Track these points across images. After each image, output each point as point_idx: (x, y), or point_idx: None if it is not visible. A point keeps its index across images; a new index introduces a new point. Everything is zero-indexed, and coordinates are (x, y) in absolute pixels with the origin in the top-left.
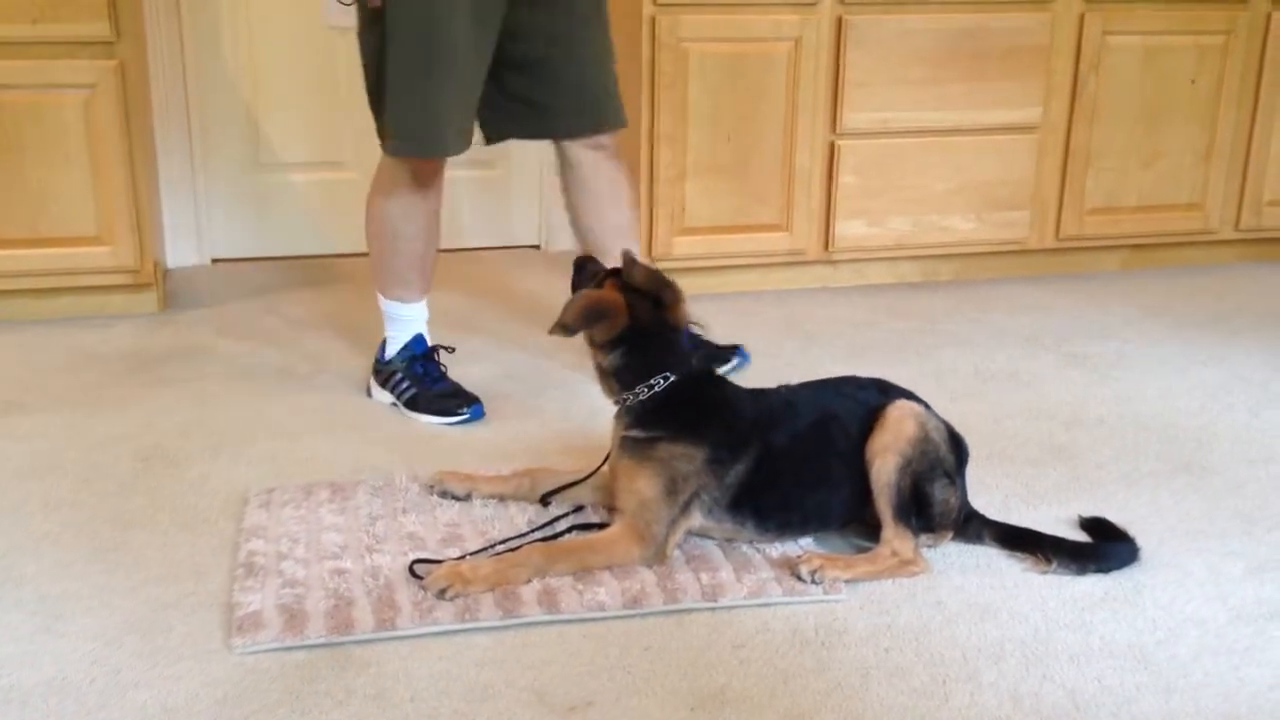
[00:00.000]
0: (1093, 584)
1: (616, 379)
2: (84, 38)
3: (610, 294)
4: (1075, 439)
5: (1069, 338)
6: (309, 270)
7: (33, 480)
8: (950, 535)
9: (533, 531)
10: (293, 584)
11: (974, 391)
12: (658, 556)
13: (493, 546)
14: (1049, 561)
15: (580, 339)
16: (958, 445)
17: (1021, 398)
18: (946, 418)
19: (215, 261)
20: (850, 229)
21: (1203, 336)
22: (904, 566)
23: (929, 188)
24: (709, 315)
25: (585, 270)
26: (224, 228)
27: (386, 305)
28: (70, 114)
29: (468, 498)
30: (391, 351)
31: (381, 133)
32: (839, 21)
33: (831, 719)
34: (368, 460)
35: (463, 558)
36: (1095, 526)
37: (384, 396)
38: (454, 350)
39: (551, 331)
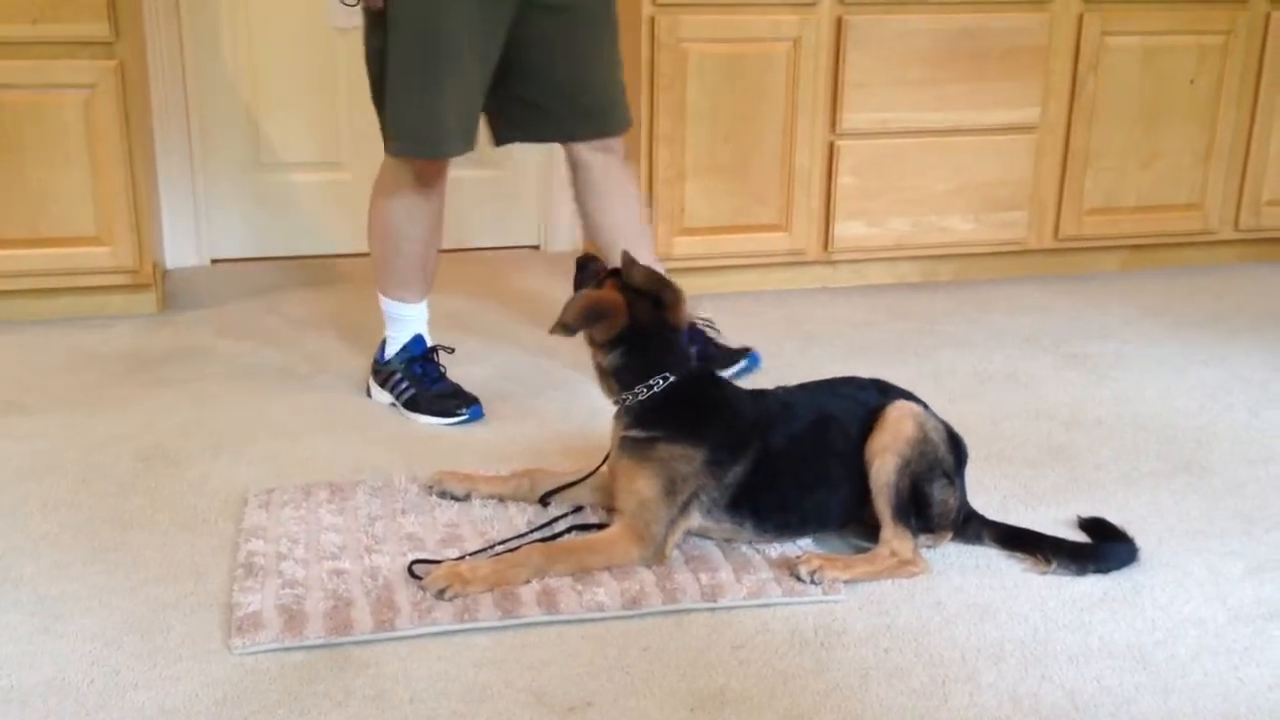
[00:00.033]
0: (1092, 584)
1: (616, 379)
2: (83, 38)
3: (610, 294)
4: (1074, 439)
5: (1068, 338)
6: (308, 270)
7: (32, 480)
8: (949, 536)
9: (532, 532)
10: (292, 584)
11: (973, 392)
12: (656, 557)
13: (492, 547)
14: (1048, 562)
15: (580, 338)
16: (957, 446)
17: (1020, 398)
18: (945, 418)
19: (215, 262)
20: (849, 229)
21: (1202, 336)
22: (903, 567)
23: (928, 188)
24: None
25: (588, 269)
26: (223, 228)
27: (387, 305)
28: (70, 114)
29: (467, 498)
30: (391, 352)
31: (384, 133)
32: (838, 22)
33: (830, 719)
34: (367, 460)
35: (462, 558)
36: (1094, 527)
37: (383, 397)
38: (453, 351)
39: (552, 331)
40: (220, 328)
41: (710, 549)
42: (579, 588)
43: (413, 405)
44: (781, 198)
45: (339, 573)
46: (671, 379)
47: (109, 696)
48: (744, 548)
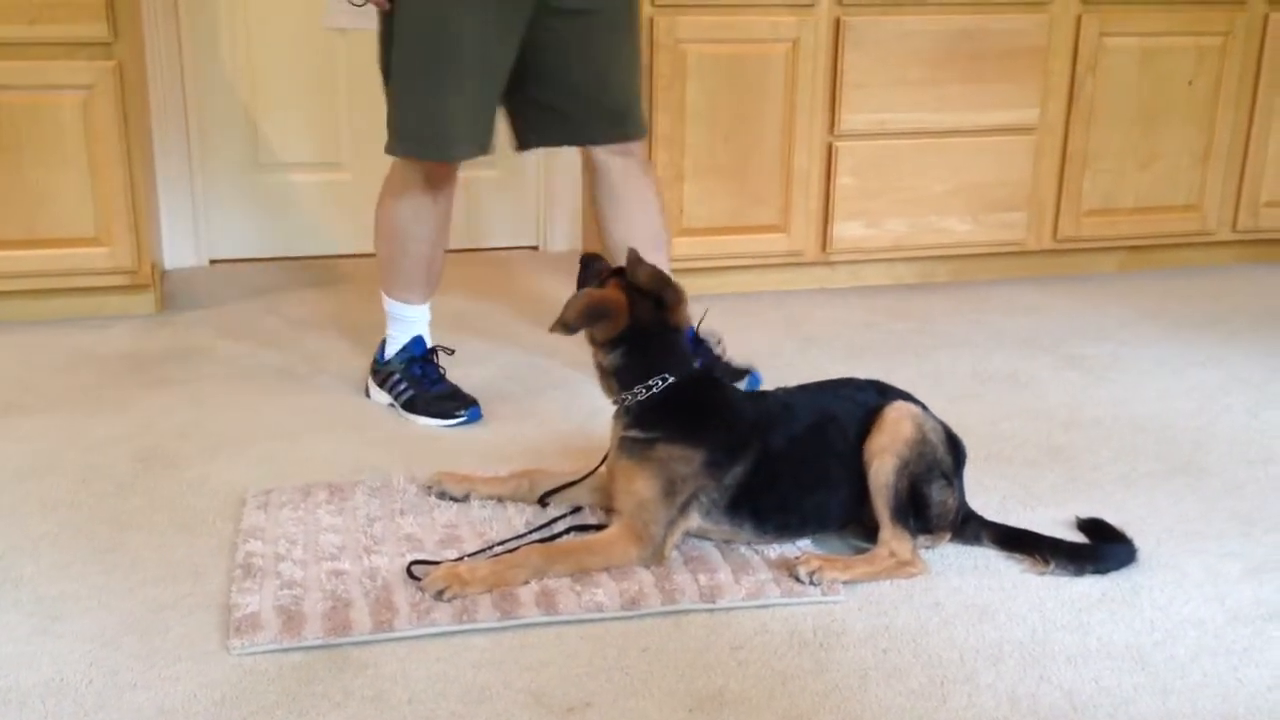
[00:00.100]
0: (1090, 585)
1: (616, 379)
2: (82, 38)
3: (612, 293)
4: (1073, 440)
5: (1066, 339)
6: (307, 271)
7: (31, 481)
8: (948, 536)
9: (531, 532)
10: (290, 585)
11: (971, 393)
12: (655, 557)
13: (491, 548)
14: (1047, 563)
15: (581, 338)
16: (955, 446)
17: (1019, 399)
18: (944, 419)
19: (213, 262)
20: (848, 230)
21: (1200, 338)
22: (902, 568)
23: (927, 189)
24: (709, 313)
25: (591, 268)
26: (222, 228)
27: (390, 305)
28: (68, 115)
29: (466, 499)
30: (391, 352)
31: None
32: (837, 23)
33: (829, 719)
34: (366, 461)
35: (461, 559)
36: (1093, 527)
37: (382, 397)
38: (453, 353)
39: (552, 329)
40: (219, 328)
41: (709, 550)
42: (578, 588)
43: (411, 406)
44: (780, 199)
45: (337, 573)
46: (671, 380)
47: (107, 697)
48: (743, 549)
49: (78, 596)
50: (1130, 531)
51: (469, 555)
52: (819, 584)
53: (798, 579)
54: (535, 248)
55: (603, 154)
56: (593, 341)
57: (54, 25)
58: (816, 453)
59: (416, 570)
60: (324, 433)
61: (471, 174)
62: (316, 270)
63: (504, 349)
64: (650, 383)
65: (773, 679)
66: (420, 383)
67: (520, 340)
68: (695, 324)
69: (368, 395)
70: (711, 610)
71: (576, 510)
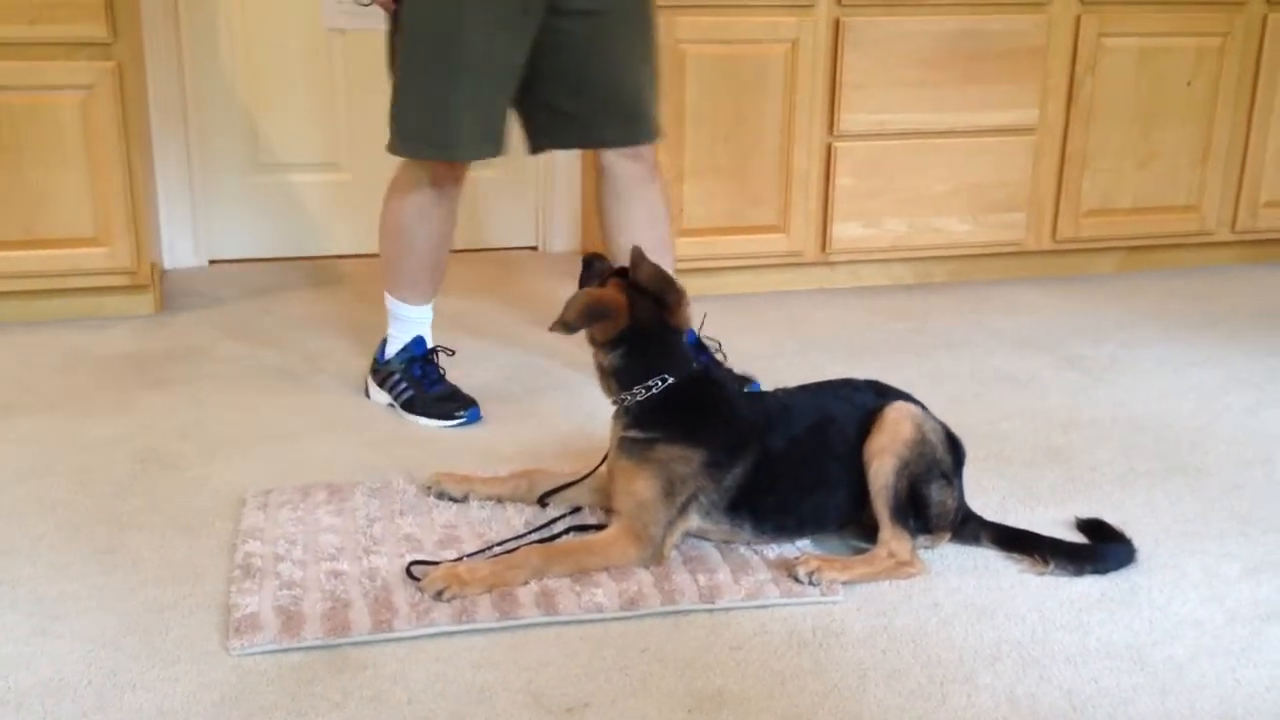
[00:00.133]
0: (1089, 585)
1: (616, 379)
2: (81, 39)
3: (612, 293)
4: (1072, 440)
5: (1065, 339)
6: (307, 271)
7: (29, 481)
8: (947, 537)
9: (530, 533)
10: (290, 586)
11: (970, 393)
12: (655, 558)
13: (490, 548)
14: (1046, 563)
15: (581, 338)
16: (955, 447)
17: (1018, 399)
18: (943, 419)
19: (212, 263)
20: (847, 230)
21: (1199, 338)
22: (901, 568)
23: (926, 189)
24: (708, 316)
25: (593, 267)
26: (221, 229)
27: (392, 304)
28: (67, 115)
29: (465, 499)
30: (391, 351)
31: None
32: (836, 23)
33: None
34: (365, 461)
35: (460, 559)
36: (1092, 528)
37: (381, 397)
38: (454, 353)
39: (552, 329)
40: (218, 329)
41: (708, 550)
42: (577, 589)
43: (410, 407)
44: (779, 199)
45: (337, 574)
46: (671, 380)
47: (107, 698)
48: (742, 549)
49: (77, 597)
50: (1129, 531)
51: (468, 556)
52: (818, 584)
53: (797, 579)
54: (535, 248)
55: (612, 156)
56: (593, 341)
57: (54, 25)
58: (816, 453)
59: (416, 571)
60: (323, 433)
61: (471, 174)
62: (316, 270)
63: (504, 349)
64: (650, 383)
65: (772, 679)
66: (420, 383)
67: (520, 340)
68: (696, 327)
69: (367, 395)
70: (711, 610)
71: (576, 510)
